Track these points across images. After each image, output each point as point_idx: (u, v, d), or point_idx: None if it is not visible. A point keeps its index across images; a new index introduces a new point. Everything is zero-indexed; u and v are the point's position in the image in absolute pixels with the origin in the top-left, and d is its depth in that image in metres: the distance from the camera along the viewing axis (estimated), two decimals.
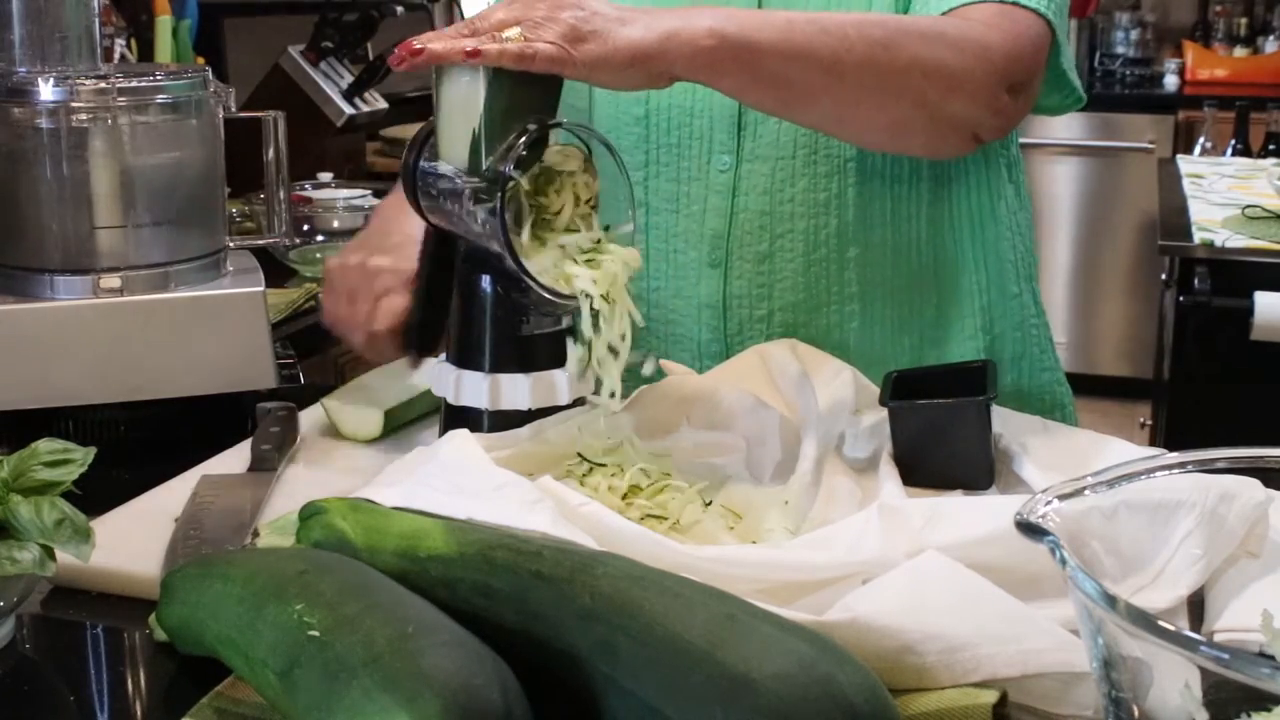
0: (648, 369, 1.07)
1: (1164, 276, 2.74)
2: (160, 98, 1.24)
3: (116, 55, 2.33)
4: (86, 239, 1.23)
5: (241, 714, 0.75)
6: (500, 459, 0.96)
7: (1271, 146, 3.57)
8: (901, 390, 1.04)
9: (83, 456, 0.88)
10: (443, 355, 1.09)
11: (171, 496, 1.06)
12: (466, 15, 2.63)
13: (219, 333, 1.25)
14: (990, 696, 0.70)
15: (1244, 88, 4.65)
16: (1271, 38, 5.00)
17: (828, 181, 1.22)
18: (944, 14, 1.13)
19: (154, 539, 0.97)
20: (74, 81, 1.22)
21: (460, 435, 0.98)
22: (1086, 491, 0.70)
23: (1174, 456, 0.74)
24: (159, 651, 0.85)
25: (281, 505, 1.04)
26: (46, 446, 0.88)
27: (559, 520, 0.85)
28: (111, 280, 1.23)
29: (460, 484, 0.91)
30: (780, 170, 1.22)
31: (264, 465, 1.11)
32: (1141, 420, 3.35)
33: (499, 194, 0.98)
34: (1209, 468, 0.73)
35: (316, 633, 0.67)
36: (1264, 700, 0.57)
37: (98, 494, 0.91)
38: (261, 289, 1.28)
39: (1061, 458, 1.01)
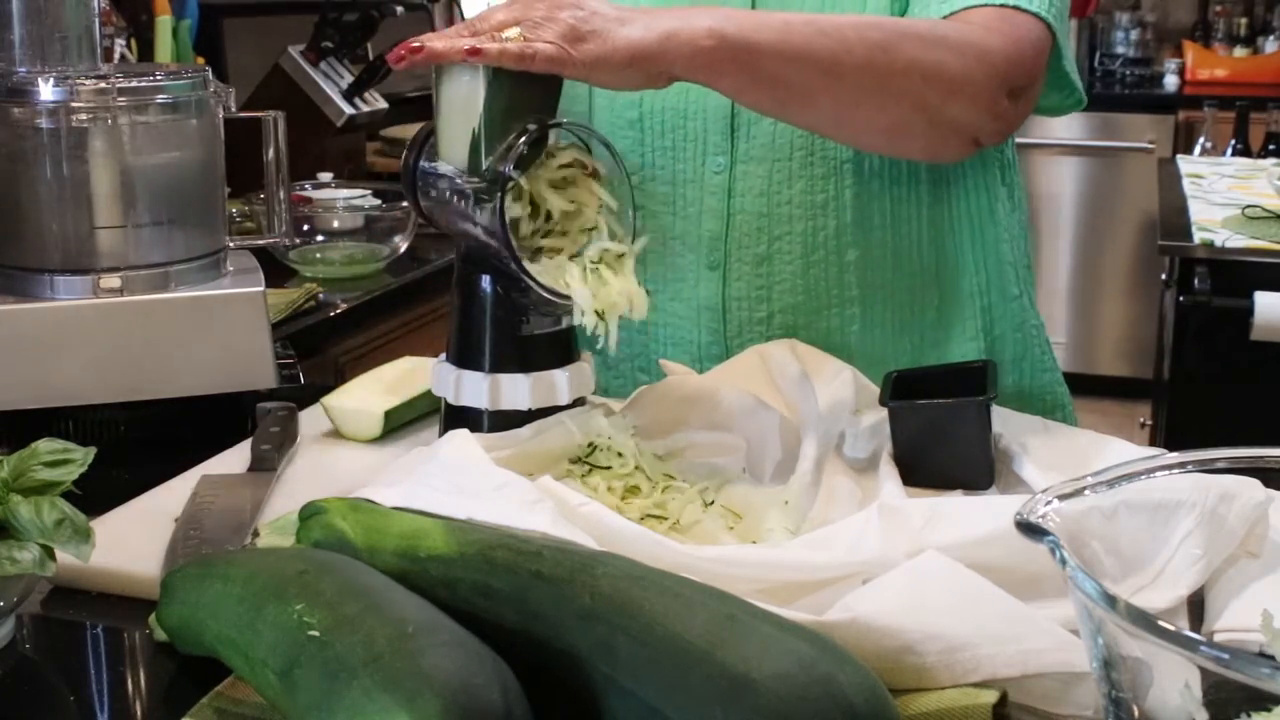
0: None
1: (1164, 276, 2.75)
2: (160, 98, 1.24)
3: (116, 55, 2.33)
4: (86, 239, 1.23)
5: (241, 714, 0.75)
6: (500, 459, 0.96)
7: (1271, 146, 3.57)
8: (901, 390, 1.04)
9: (83, 456, 0.88)
10: (443, 355, 1.09)
11: (171, 496, 1.06)
12: (466, 15, 2.63)
13: (219, 333, 1.24)
14: (990, 696, 0.70)
15: (1244, 88, 4.66)
16: (1271, 38, 5.00)
17: (825, 183, 1.21)
18: (944, 17, 1.13)
19: (154, 539, 0.97)
20: (74, 81, 1.21)
21: (460, 435, 0.98)
22: (1086, 491, 0.70)
23: (1174, 456, 0.74)
24: (159, 651, 0.85)
25: (281, 505, 1.04)
26: (46, 446, 0.88)
27: (559, 520, 0.85)
28: (111, 280, 1.23)
29: (460, 484, 0.91)
30: (777, 172, 1.22)
31: (264, 465, 1.10)
32: (1141, 420, 3.35)
33: (499, 194, 0.98)
34: (1209, 468, 0.73)
35: (316, 633, 0.67)
36: (1264, 700, 0.57)
37: (98, 494, 0.91)
38: (261, 289, 1.28)
39: (1061, 458, 1.01)
